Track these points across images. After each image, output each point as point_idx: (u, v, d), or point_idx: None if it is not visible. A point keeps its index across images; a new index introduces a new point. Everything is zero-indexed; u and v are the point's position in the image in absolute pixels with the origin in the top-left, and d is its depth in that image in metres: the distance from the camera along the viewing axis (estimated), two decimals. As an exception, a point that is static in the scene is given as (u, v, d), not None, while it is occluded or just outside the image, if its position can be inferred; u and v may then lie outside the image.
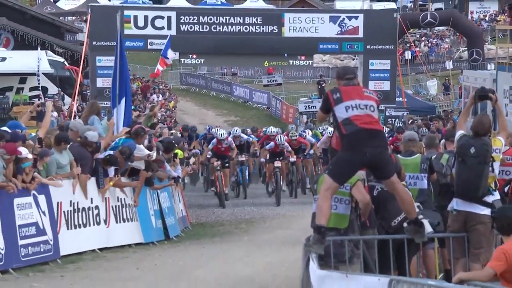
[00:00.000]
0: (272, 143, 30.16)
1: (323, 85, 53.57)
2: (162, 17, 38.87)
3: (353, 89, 11.42)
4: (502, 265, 9.84)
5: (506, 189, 12.52)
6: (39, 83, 41.68)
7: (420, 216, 11.58)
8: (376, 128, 11.33)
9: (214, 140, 29.24)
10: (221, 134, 29.29)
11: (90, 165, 18.83)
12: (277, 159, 29.82)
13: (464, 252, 11.91)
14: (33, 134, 18.23)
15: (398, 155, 13.51)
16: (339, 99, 11.25)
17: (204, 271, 16.88)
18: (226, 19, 39.21)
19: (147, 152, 20.28)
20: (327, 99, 11.44)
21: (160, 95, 54.70)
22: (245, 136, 31.67)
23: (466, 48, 54.44)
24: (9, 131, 17.56)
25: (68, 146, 18.32)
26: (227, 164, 29.09)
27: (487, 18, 69.90)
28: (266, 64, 51.46)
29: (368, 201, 11.78)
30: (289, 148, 30.29)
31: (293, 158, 30.28)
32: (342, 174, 11.23)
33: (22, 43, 46.64)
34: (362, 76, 39.73)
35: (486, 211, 11.88)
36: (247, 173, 31.51)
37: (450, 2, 65.50)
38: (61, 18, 55.31)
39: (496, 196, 12.09)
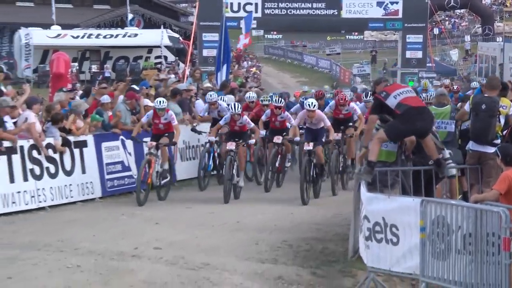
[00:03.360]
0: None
1: (375, 54, 53.07)
2: (251, 4, 38.71)
3: (392, 85, 11.55)
4: (505, 186, 9.73)
5: (504, 132, 12.36)
6: (161, 53, 41.96)
7: (449, 161, 11.76)
8: (423, 105, 11.50)
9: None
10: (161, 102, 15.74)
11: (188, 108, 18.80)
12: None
13: (478, 180, 11.84)
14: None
15: (432, 106, 13.49)
16: (386, 95, 11.36)
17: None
18: (298, 4, 38.98)
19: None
20: (377, 100, 11.60)
21: (249, 62, 54.57)
22: (224, 105, 17.86)
23: (480, 26, 53.27)
24: (137, 88, 17.98)
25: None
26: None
27: (496, 3, 68.23)
28: (328, 38, 50.93)
29: (414, 140, 11.81)
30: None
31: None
32: (395, 136, 11.43)
33: (149, 24, 46.85)
34: (401, 47, 39.33)
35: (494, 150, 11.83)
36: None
37: (469, -10, 63.76)
38: (177, 4, 55.22)
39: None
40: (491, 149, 11.71)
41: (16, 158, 14.32)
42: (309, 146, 16.05)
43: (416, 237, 9.96)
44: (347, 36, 53.52)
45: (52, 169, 14.98)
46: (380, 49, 53.69)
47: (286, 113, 17.38)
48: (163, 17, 47.85)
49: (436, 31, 55.20)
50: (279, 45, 62.35)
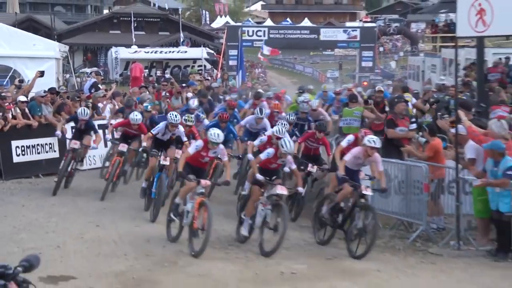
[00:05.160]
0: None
1: (341, 63, 52.76)
2: (261, 30, 38.52)
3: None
4: (431, 152, 9.51)
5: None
6: (202, 63, 41.79)
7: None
8: None
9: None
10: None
11: (218, 99, 16.46)
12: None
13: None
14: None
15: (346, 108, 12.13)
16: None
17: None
18: (291, 31, 38.86)
19: None
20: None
21: (259, 69, 54.14)
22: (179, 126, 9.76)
23: (410, 46, 52.92)
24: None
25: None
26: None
27: (419, 30, 67.57)
28: (311, 53, 50.35)
29: (374, 117, 11.53)
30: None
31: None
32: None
33: (194, 44, 46.48)
34: (358, 59, 39.28)
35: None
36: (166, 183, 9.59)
37: (402, 23, 62.87)
38: (213, 31, 54.67)
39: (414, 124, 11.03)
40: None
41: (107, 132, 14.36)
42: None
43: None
44: (323, 52, 52.97)
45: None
46: (345, 60, 53.43)
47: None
48: (204, 39, 47.53)
49: (381, 49, 54.71)
50: (278, 58, 61.91)
